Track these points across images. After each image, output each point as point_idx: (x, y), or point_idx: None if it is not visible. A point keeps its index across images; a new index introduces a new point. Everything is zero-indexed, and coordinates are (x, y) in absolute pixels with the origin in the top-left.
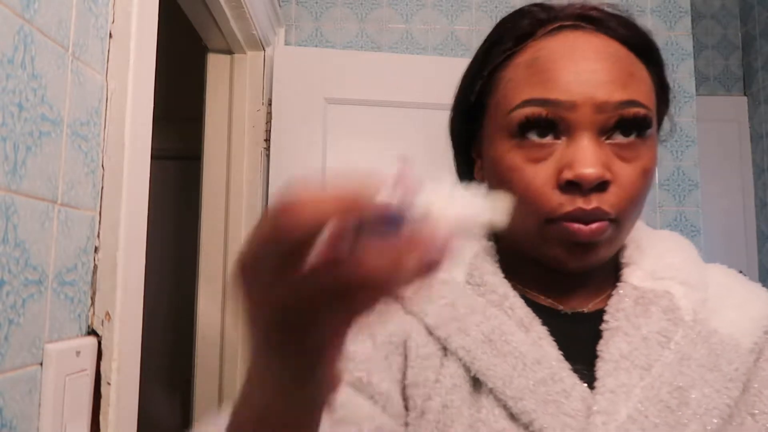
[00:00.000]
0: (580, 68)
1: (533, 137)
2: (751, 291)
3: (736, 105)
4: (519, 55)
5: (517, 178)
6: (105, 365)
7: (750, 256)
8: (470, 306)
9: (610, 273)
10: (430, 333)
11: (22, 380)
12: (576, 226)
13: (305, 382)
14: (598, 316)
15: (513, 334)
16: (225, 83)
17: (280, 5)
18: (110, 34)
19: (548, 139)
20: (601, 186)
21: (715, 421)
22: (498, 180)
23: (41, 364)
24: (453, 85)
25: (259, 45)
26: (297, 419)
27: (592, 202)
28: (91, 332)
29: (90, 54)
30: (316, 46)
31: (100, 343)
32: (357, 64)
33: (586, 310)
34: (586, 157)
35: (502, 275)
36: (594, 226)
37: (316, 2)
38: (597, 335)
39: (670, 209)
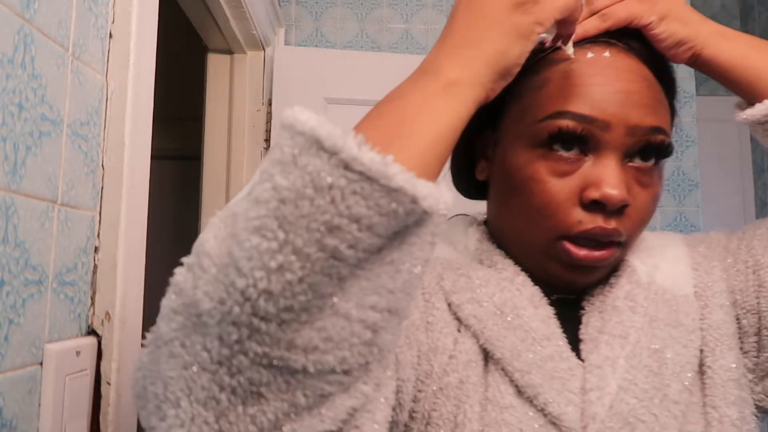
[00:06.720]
0: (616, 88)
1: (559, 150)
2: (661, 237)
3: None
4: (551, 62)
5: (539, 189)
6: (105, 365)
7: None
8: (485, 279)
9: None
10: (446, 300)
11: (22, 380)
12: (583, 252)
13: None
14: (579, 301)
15: (525, 309)
16: (225, 83)
17: (280, 5)
18: (110, 34)
19: (574, 154)
20: (621, 209)
21: (689, 375)
22: (514, 188)
23: (41, 364)
24: None
25: (259, 45)
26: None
27: (612, 223)
28: (91, 332)
29: (90, 54)
30: (316, 46)
31: (100, 343)
32: (357, 64)
33: (572, 296)
34: (614, 178)
35: (508, 258)
36: (603, 252)
37: (316, 2)
38: (579, 320)
39: (670, 209)
